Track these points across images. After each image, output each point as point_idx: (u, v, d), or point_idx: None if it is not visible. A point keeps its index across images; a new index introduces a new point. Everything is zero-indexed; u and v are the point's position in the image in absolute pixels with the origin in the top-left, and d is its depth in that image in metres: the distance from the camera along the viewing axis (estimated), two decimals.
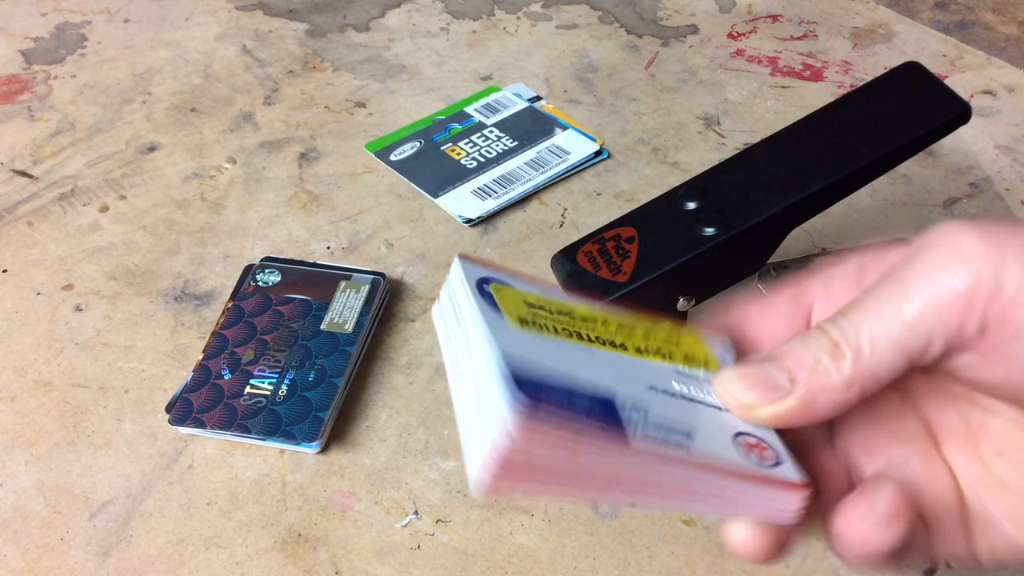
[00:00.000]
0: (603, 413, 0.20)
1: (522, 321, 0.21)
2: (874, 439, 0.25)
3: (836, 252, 0.25)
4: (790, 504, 0.23)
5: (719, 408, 0.23)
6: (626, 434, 0.20)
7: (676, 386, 0.23)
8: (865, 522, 0.23)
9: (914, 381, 0.26)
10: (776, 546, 0.24)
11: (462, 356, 0.21)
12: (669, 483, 0.21)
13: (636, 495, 0.20)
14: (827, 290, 0.26)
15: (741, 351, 0.26)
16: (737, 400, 0.23)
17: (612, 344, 0.22)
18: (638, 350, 0.23)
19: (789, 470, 0.23)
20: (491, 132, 0.58)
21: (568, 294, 0.23)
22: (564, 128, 0.58)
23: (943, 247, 0.22)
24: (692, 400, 0.23)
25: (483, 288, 0.21)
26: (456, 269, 0.22)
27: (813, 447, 0.25)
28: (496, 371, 0.19)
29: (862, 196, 0.52)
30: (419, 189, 0.55)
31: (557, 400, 0.19)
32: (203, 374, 0.43)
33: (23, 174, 0.57)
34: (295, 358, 0.43)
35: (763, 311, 0.26)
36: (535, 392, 0.19)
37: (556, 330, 0.21)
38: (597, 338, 0.22)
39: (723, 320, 0.26)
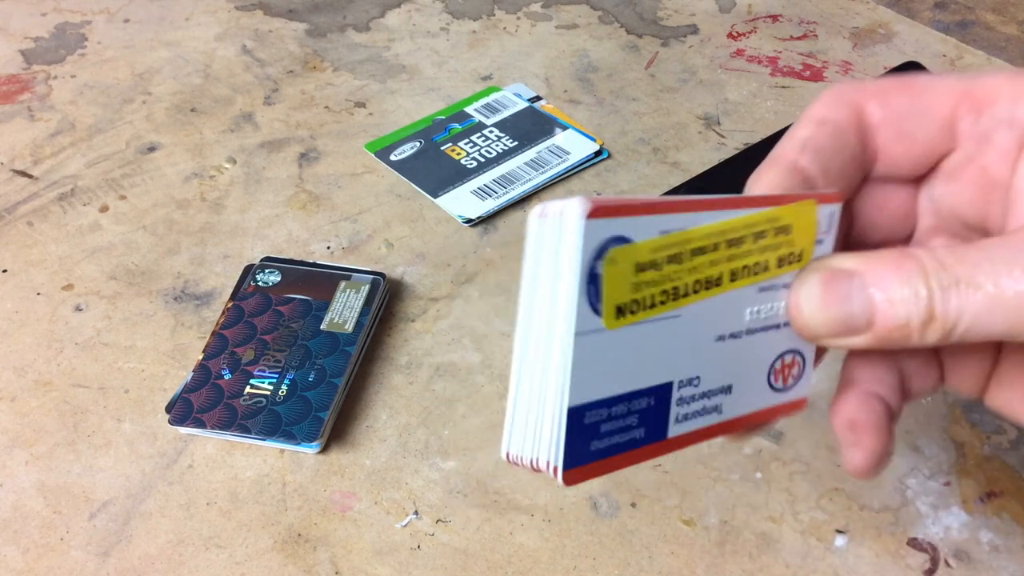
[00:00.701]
0: (651, 417, 0.23)
1: (619, 312, 0.21)
2: None
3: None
4: (785, 414, 0.26)
5: (778, 327, 0.24)
6: (666, 429, 0.23)
7: (748, 317, 0.24)
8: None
9: None
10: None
11: (543, 320, 0.21)
12: (697, 440, 0.24)
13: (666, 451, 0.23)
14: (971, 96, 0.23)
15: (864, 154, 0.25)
16: (805, 325, 0.23)
17: (708, 284, 0.23)
18: (733, 275, 0.23)
19: (802, 387, 0.26)
20: (491, 132, 0.58)
21: (691, 210, 0.22)
22: (564, 128, 0.58)
23: None
24: (755, 331, 0.24)
25: (594, 268, 0.20)
26: (576, 232, 0.20)
27: None
28: (560, 407, 0.20)
29: None
30: (419, 189, 0.55)
31: (610, 428, 0.22)
32: (203, 374, 0.43)
33: (23, 174, 0.57)
34: (295, 358, 0.43)
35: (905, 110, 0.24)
36: (589, 435, 0.21)
37: (654, 302, 0.22)
38: (696, 283, 0.23)
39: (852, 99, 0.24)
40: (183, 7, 0.73)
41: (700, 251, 0.22)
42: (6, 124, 0.61)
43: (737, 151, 0.56)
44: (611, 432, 0.22)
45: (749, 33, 0.68)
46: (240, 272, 0.49)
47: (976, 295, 0.20)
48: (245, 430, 0.40)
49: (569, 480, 0.21)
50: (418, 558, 0.37)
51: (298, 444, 0.40)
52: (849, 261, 0.22)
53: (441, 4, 0.72)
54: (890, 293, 0.21)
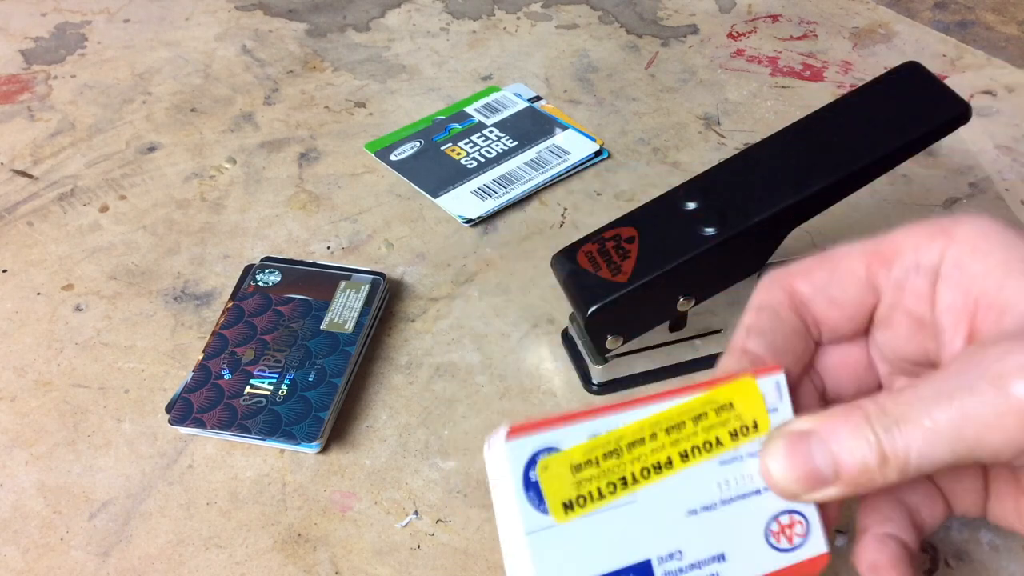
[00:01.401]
0: None
1: (567, 507, 0.23)
2: None
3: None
4: (811, 571, 0.26)
5: (758, 492, 0.26)
6: None
7: (717, 490, 0.25)
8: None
9: None
10: None
11: (506, 529, 0.24)
12: None
13: None
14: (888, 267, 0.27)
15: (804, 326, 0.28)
16: (780, 488, 0.25)
17: (657, 468, 0.25)
18: (683, 456, 0.25)
19: (815, 542, 0.26)
20: (491, 132, 0.58)
21: (619, 411, 0.24)
22: (564, 128, 0.58)
23: (1006, 348, 0.22)
24: (731, 500, 0.25)
25: (529, 476, 0.23)
26: (502, 453, 0.23)
27: None
28: None
29: (862, 196, 0.52)
30: (419, 189, 0.55)
31: None
32: (203, 374, 0.43)
33: (23, 174, 0.57)
34: (295, 358, 0.43)
35: (828, 290, 0.28)
36: None
37: (601, 493, 0.24)
38: (643, 471, 0.24)
39: (781, 290, 0.28)
40: (183, 7, 0.73)
41: (638, 443, 0.24)
42: (6, 124, 0.61)
43: (737, 151, 0.56)
44: None
45: (749, 33, 0.68)
46: (240, 272, 0.49)
47: (916, 431, 0.22)
48: (245, 430, 0.40)
49: None
50: (418, 558, 0.37)
51: (298, 444, 0.40)
52: (805, 423, 0.24)
53: (441, 4, 0.72)
54: (845, 444, 0.23)
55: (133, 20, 0.71)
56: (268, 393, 0.42)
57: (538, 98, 0.61)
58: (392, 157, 0.57)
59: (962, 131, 0.53)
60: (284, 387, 0.42)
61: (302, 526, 0.38)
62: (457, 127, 0.59)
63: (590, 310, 0.38)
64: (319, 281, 0.47)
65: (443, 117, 0.60)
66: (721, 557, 0.25)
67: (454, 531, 0.38)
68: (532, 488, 0.23)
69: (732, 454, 0.25)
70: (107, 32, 0.70)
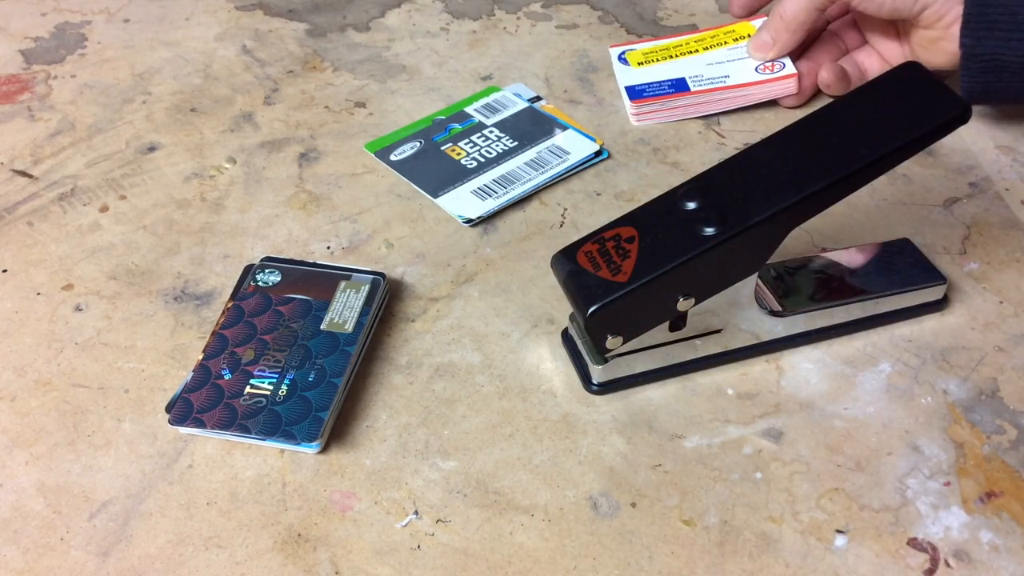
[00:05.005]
0: (676, 85, 0.58)
1: (639, 63, 0.60)
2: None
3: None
4: (789, 85, 0.58)
5: (749, 58, 0.59)
6: (688, 88, 0.58)
7: (725, 58, 0.59)
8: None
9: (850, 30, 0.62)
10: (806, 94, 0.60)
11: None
12: (716, 100, 0.58)
13: (704, 109, 0.58)
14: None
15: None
16: (751, 53, 0.59)
17: (691, 52, 0.60)
18: (707, 48, 0.60)
19: (787, 71, 0.57)
20: (491, 132, 0.58)
21: (667, 37, 0.62)
22: (564, 128, 0.58)
23: None
24: (733, 60, 0.59)
25: (622, 57, 0.61)
26: (611, 54, 0.63)
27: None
28: (623, 92, 0.60)
29: (862, 196, 0.52)
30: (419, 189, 0.55)
31: (651, 91, 0.58)
32: (203, 374, 0.43)
33: (23, 174, 0.57)
34: (295, 358, 0.43)
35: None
36: (639, 93, 0.59)
37: (658, 60, 0.60)
38: (681, 53, 0.60)
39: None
40: (183, 7, 0.73)
41: (677, 46, 0.61)
42: (6, 124, 0.61)
43: (737, 151, 0.56)
44: (653, 91, 0.58)
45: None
46: (240, 272, 0.49)
47: (787, 4, 0.57)
48: (245, 430, 0.40)
49: (637, 113, 0.58)
50: (418, 558, 0.37)
51: (298, 444, 0.40)
52: (762, 29, 0.58)
53: (441, 4, 0.73)
54: (768, 29, 0.57)
55: (133, 20, 0.71)
56: (268, 393, 0.42)
57: (538, 98, 0.61)
58: (392, 157, 0.57)
59: (962, 131, 0.53)
60: (284, 387, 0.42)
61: (302, 526, 0.38)
62: (457, 127, 0.59)
63: (590, 310, 0.38)
64: (319, 281, 0.47)
65: (443, 117, 0.60)
66: (727, 77, 0.58)
67: (454, 531, 0.38)
68: (623, 60, 0.61)
69: (733, 46, 0.60)
70: (107, 32, 0.70)
